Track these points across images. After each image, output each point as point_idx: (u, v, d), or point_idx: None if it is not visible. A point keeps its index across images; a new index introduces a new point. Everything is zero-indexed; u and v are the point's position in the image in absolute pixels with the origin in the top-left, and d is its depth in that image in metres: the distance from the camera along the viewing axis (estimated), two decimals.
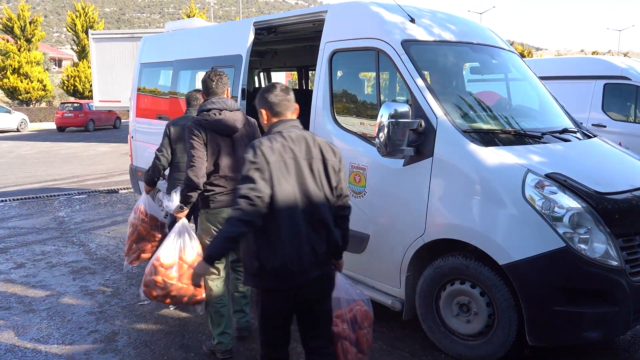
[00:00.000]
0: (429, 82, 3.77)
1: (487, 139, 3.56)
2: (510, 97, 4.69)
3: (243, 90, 5.34)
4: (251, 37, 5.37)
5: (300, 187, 2.48)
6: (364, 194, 4.01)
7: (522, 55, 5.28)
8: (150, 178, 4.62)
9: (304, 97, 5.78)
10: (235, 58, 5.49)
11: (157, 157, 4.53)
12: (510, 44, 4.91)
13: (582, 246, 3.08)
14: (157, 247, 4.31)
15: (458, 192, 3.44)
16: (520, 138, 3.69)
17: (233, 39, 5.66)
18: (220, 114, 3.45)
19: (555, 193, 3.15)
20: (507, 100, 4.65)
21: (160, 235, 4.56)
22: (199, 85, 6.33)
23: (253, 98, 7.66)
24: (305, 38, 6.44)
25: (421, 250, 3.66)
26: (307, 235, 2.47)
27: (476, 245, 3.33)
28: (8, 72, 33.58)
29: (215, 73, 3.61)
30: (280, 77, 8.17)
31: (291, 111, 2.65)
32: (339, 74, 4.57)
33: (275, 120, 2.62)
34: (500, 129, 3.78)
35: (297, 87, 8.68)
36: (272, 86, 2.68)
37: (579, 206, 3.12)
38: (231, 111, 3.50)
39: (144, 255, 4.59)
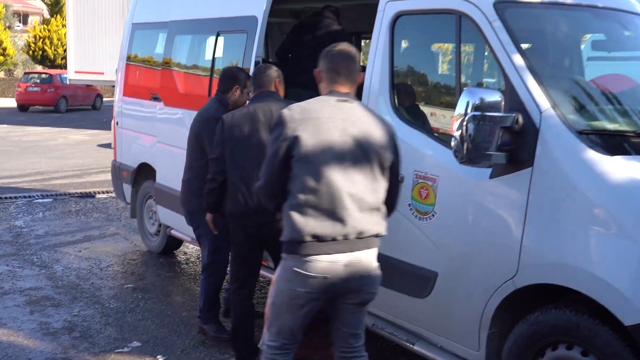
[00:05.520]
0: (530, 60, 3.73)
1: (614, 144, 3.50)
2: None
3: (257, 63, 5.44)
4: None
5: None
6: (433, 215, 3.99)
7: None
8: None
9: None
10: (248, 20, 5.60)
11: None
12: None
13: None
14: None
15: (569, 219, 3.38)
16: None
17: None
18: None
19: None
20: None
21: None
22: (199, 55, 6.45)
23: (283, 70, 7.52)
24: None
25: (511, 298, 3.62)
26: None
27: (592, 297, 3.25)
28: None
29: None
30: None
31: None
32: (404, 45, 4.57)
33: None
34: (635, 130, 3.70)
35: None
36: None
37: None
38: None
39: None
